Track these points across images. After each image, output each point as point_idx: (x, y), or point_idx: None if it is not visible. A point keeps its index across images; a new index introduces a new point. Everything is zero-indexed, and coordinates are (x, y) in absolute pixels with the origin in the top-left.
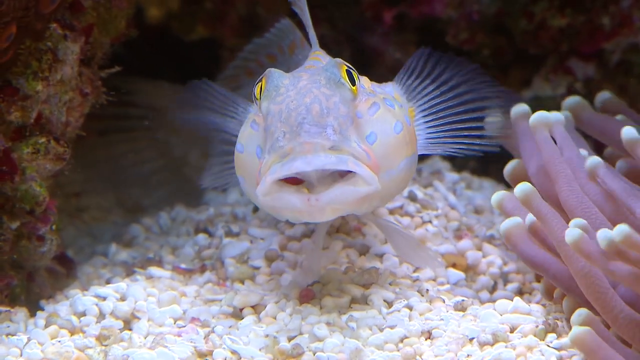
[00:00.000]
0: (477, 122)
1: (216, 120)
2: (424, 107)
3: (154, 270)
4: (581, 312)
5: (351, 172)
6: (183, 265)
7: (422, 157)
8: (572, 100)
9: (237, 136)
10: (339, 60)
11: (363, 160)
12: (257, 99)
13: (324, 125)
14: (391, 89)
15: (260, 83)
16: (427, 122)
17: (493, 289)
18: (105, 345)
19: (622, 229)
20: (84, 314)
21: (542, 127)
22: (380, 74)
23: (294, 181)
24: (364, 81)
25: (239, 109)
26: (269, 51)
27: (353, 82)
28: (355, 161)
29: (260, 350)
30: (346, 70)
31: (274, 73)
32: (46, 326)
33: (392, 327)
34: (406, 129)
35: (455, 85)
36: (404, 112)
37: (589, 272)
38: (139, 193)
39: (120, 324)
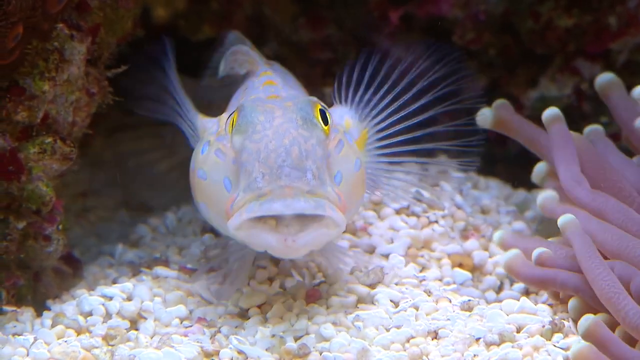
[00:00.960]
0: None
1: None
2: (380, 128)
3: (161, 270)
4: (587, 317)
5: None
6: (189, 265)
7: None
8: (605, 77)
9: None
10: (313, 99)
11: (336, 204)
12: (228, 132)
13: (304, 169)
14: (341, 114)
15: (232, 116)
16: (380, 147)
17: (499, 289)
18: (112, 345)
19: None
20: (90, 313)
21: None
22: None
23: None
24: None
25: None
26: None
27: (325, 122)
28: (330, 206)
29: (266, 350)
30: (319, 109)
31: (246, 107)
32: (53, 326)
33: (398, 327)
34: (362, 166)
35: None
36: (357, 149)
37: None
38: (146, 193)
39: (127, 323)
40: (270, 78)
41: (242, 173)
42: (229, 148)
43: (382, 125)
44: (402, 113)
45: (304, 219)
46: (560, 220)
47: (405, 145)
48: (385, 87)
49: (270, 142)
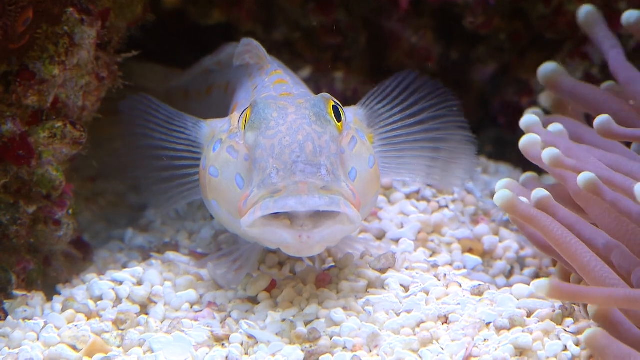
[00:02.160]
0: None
1: (157, 140)
2: (385, 137)
3: (171, 254)
4: None
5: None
6: (199, 250)
7: None
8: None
9: (182, 155)
10: (326, 95)
11: (350, 200)
12: (241, 129)
13: (318, 165)
14: (351, 114)
15: (245, 112)
16: (384, 151)
17: (510, 273)
18: (122, 330)
19: None
20: (100, 298)
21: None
22: (396, 59)
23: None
24: None
25: (188, 124)
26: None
27: (339, 118)
28: (345, 202)
29: (276, 334)
30: (333, 106)
31: (259, 104)
32: (63, 310)
33: (408, 312)
34: (376, 163)
35: (421, 121)
36: (370, 146)
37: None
38: None
39: (137, 308)
40: (281, 77)
41: (256, 169)
42: (242, 145)
43: (389, 135)
44: (410, 138)
45: (318, 216)
46: (498, 196)
47: (411, 150)
48: (403, 115)
49: (284, 138)
